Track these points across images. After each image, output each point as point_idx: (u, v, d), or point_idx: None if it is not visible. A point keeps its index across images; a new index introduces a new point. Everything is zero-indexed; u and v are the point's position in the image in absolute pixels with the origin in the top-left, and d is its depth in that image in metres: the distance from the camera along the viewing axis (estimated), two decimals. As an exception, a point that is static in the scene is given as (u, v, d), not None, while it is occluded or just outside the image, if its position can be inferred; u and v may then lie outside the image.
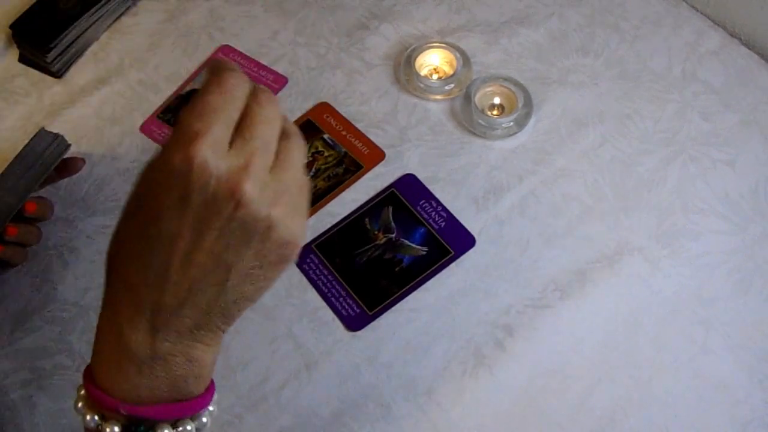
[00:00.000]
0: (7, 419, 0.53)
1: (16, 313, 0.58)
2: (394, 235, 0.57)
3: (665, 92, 0.62)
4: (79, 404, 0.35)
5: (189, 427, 0.35)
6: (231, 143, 0.32)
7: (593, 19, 0.67)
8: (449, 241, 0.57)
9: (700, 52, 0.64)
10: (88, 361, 0.34)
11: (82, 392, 0.35)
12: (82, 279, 0.59)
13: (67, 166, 0.62)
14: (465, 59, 0.64)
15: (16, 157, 0.56)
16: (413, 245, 0.57)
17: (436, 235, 0.57)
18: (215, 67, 0.33)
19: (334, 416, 0.51)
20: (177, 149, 0.31)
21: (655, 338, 0.52)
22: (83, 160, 0.64)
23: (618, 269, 0.54)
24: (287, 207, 0.33)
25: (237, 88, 0.32)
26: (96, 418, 0.34)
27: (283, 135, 0.34)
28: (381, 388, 0.52)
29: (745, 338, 0.51)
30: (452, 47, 0.65)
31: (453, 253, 0.56)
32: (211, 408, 0.36)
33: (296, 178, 0.34)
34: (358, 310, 0.55)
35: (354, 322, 0.55)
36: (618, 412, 0.50)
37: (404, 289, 0.55)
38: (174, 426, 0.34)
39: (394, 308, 0.55)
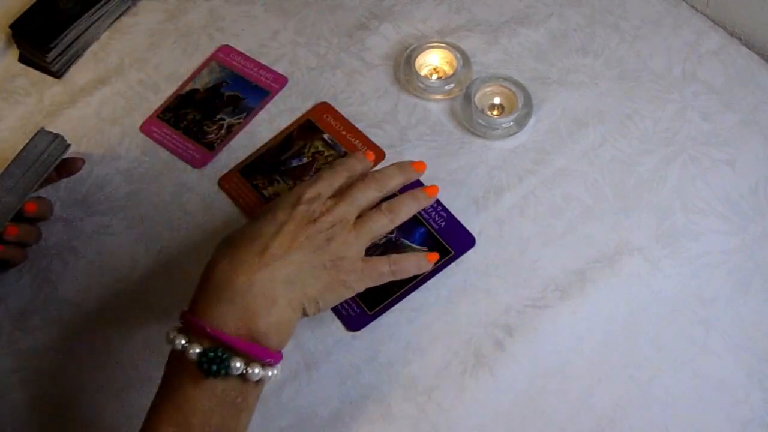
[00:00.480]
0: (8, 419, 0.53)
1: (16, 313, 0.58)
2: (394, 235, 0.57)
3: (665, 92, 0.62)
4: (171, 335, 0.43)
5: (257, 370, 0.42)
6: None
7: (593, 19, 0.67)
8: (449, 241, 0.57)
9: (700, 52, 0.64)
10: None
11: (176, 325, 0.44)
12: (82, 279, 0.59)
13: (67, 166, 0.62)
14: (465, 59, 0.64)
15: (16, 157, 0.56)
16: (413, 245, 0.57)
17: (436, 235, 0.57)
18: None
19: (334, 416, 0.51)
20: (293, 190, 0.50)
21: (655, 338, 0.52)
22: (83, 160, 0.64)
23: (618, 269, 0.55)
24: (343, 242, 0.48)
25: (341, 168, 0.51)
26: (183, 341, 0.42)
27: (384, 212, 0.51)
28: (381, 388, 0.52)
29: (745, 338, 0.52)
30: (452, 47, 0.65)
31: (453, 253, 0.56)
32: (275, 371, 0.44)
33: (367, 232, 0.50)
34: (358, 310, 0.55)
35: (354, 322, 0.54)
36: (618, 412, 0.50)
37: (404, 289, 0.55)
38: (246, 363, 0.42)
39: (394, 308, 0.55)
